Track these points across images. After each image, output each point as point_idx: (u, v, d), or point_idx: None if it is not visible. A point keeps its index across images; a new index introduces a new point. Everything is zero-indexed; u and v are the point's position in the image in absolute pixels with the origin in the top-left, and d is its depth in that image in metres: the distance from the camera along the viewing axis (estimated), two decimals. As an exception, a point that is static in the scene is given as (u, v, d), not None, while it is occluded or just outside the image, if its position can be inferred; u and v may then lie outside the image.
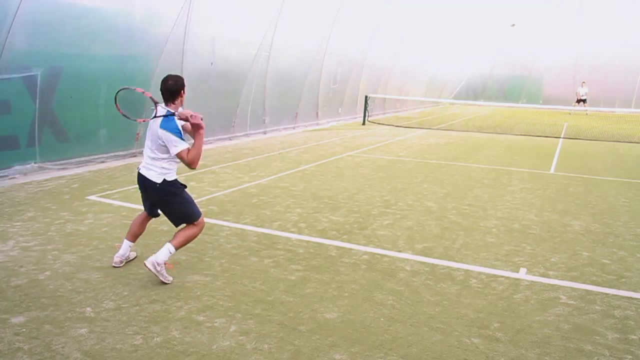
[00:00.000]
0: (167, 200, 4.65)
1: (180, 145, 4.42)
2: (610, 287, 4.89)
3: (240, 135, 14.55)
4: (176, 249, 4.60)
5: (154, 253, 4.63)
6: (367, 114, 20.46)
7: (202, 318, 3.96)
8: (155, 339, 3.64)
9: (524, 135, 18.28)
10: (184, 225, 4.72)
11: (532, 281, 4.94)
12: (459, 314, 4.17)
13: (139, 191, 4.83)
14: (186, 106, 12.65)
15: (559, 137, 17.75)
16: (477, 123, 23.14)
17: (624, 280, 5.08)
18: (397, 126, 19.91)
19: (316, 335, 3.76)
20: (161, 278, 4.55)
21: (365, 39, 21.02)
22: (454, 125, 21.91)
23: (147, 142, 4.64)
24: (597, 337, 3.90)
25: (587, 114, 29.95)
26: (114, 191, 7.96)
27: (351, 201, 7.75)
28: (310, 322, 3.96)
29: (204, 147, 12.55)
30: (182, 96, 4.60)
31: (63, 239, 5.70)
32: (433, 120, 23.56)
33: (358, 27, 20.05)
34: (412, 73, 28.30)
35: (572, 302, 4.51)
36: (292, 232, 6.19)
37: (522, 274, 5.11)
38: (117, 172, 9.41)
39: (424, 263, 5.30)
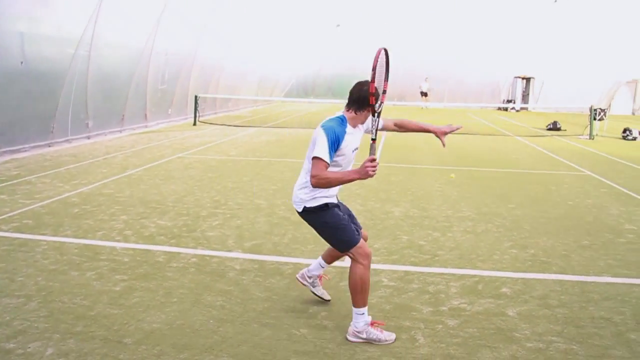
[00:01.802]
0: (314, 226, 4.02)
1: (323, 152, 3.58)
2: (425, 266, 5.33)
3: (61, 141, 13.48)
4: (364, 305, 3.80)
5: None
6: (197, 114, 20.12)
7: (12, 345, 3.60)
8: (-47, 374, 3.25)
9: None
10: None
11: (356, 268, 5.20)
12: (288, 307, 4.27)
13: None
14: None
15: (382, 130, 18.89)
16: (307, 119, 23.88)
17: (437, 258, 5.56)
18: (229, 125, 19.86)
19: (143, 346, 3.62)
20: (379, 342, 3.75)
21: (194, 37, 20.61)
22: (284, 122, 22.40)
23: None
24: (414, 313, 4.23)
25: (426, 107, 32.40)
26: None
27: (180, 204, 7.57)
28: (136, 333, 3.80)
29: (19, 155, 11.47)
30: (369, 111, 3.70)
31: None
32: (265, 119, 23.86)
33: (186, 25, 19.61)
34: (243, 72, 28.37)
35: (392, 283, 4.84)
36: (117, 240, 5.90)
37: (347, 262, 5.33)
38: None
39: (253, 260, 5.35)
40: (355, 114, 3.83)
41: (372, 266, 5.20)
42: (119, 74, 16.07)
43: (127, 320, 4.00)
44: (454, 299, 4.52)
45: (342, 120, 3.80)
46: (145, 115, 18.26)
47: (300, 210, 3.98)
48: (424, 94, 33.10)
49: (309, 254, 5.57)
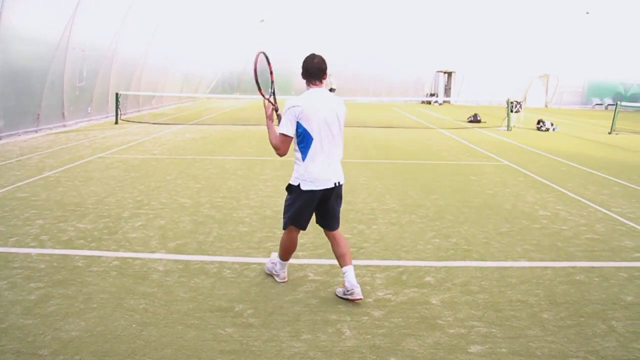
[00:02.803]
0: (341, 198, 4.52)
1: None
2: (352, 258, 5.36)
3: (-32, 143, 12.70)
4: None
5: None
6: (119, 112, 19.46)
7: None
8: None
9: (277, 125, 19.08)
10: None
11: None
12: (213, 307, 4.20)
13: (307, 208, 4.37)
14: None
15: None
16: (233, 116, 23.63)
17: (362, 250, 5.63)
18: (152, 123, 19.34)
19: (60, 356, 3.45)
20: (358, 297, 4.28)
21: (114, 31, 19.83)
22: (210, 119, 22.05)
23: (324, 139, 4.22)
24: (340, 306, 4.26)
25: None
26: None
27: (101, 205, 7.29)
28: (53, 343, 3.62)
29: None
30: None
31: None
32: (189, 116, 23.39)
33: (105, 18, 18.81)
34: (166, 68, 27.68)
35: (318, 277, 4.85)
36: (32, 246, 5.60)
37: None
38: None
39: (177, 261, 5.22)
40: (322, 83, 4.35)
41: (298, 261, 5.25)
42: (32, 70, 15.20)
43: (43, 330, 3.81)
44: (379, 290, 4.59)
45: None
46: (63, 114, 17.46)
47: (343, 182, 4.42)
48: (332, 90, 33.59)
49: (235, 252, 5.50)
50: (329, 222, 4.46)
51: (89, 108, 19.51)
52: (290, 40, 37.87)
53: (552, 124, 19.62)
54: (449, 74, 39.76)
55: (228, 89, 39.36)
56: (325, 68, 4.25)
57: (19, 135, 14.58)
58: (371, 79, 38.74)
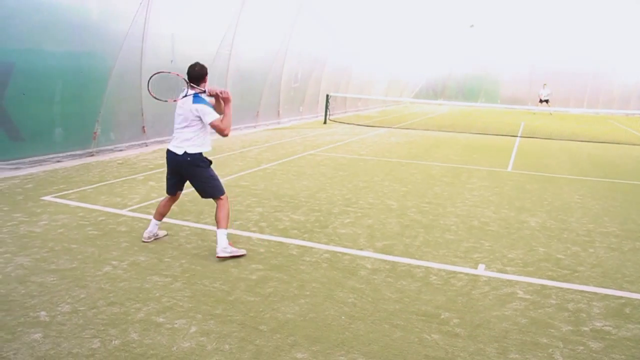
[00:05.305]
0: (193, 173, 5.38)
1: (213, 115, 5.21)
2: (564, 281, 5.02)
3: (201, 134, 14.34)
4: (226, 228, 5.27)
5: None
6: (328, 112, 20.50)
7: (161, 319, 3.90)
8: (113, 342, 3.56)
9: (482, 134, 18.60)
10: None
11: (490, 277, 5.03)
12: (419, 311, 4.21)
13: (167, 170, 5.57)
14: (145, 105, 12.35)
15: (516, 136, 18.13)
16: (437, 122, 23.46)
17: (577, 274, 5.22)
18: (358, 125, 20.02)
19: (277, 335, 3.75)
20: (237, 254, 5.26)
21: (327, 38, 21.06)
22: (414, 124, 22.15)
23: (177, 123, 5.38)
24: (552, 330, 4.00)
25: (551, 114, 30.67)
26: (71, 191, 7.76)
27: (312, 200, 7.75)
28: (271, 322, 3.94)
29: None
30: (206, 81, 5.34)
31: (16, 241, 5.53)
32: (394, 119, 23.75)
33: (319, 27, 20.08)
34: (373, 73, 28.51)
35: (528, 296, 4.61)
36: (253, 231, 6.16)
37: (481, 270, 5.20)
38: (74, 171, 9.18)
39: (384, 261, 5.34)
40: (199, 86, 5.35)
41: (506, 276, 5.06)
42: (256, 73, 16.83)
43: (263, 308, 4.16)
44: (596, 320, 4.22)
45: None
46: (278, 112, 18.94)
47: (181, 153, 5.41)
48: (545, 101, 31.22)
49: (441, 259, 5.46)
50: (198, 192, 5.52)
51: (301, 107, 20.86)
52: (499, 46, 36.50)
53: None
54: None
55: (432, 95, 39.23)
56: (201, 75, 5.29)
57: (241, 129, 16.14)
58: (587, 86, 35.55)
